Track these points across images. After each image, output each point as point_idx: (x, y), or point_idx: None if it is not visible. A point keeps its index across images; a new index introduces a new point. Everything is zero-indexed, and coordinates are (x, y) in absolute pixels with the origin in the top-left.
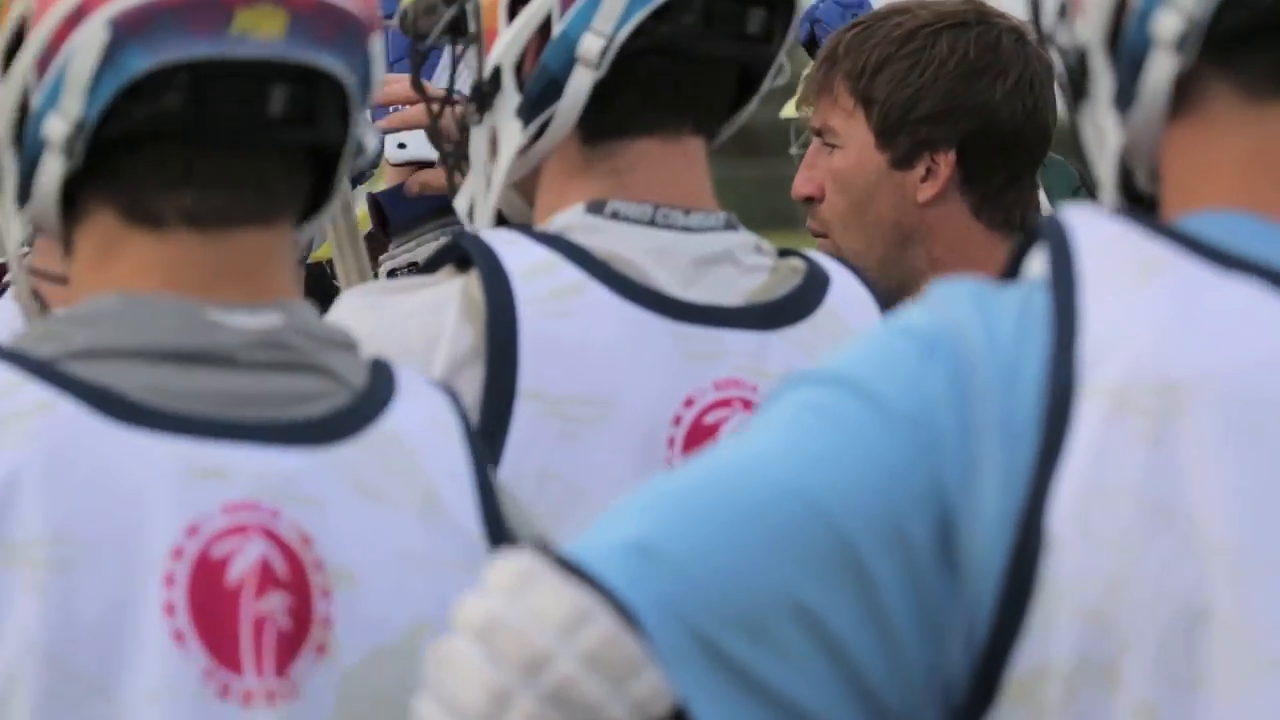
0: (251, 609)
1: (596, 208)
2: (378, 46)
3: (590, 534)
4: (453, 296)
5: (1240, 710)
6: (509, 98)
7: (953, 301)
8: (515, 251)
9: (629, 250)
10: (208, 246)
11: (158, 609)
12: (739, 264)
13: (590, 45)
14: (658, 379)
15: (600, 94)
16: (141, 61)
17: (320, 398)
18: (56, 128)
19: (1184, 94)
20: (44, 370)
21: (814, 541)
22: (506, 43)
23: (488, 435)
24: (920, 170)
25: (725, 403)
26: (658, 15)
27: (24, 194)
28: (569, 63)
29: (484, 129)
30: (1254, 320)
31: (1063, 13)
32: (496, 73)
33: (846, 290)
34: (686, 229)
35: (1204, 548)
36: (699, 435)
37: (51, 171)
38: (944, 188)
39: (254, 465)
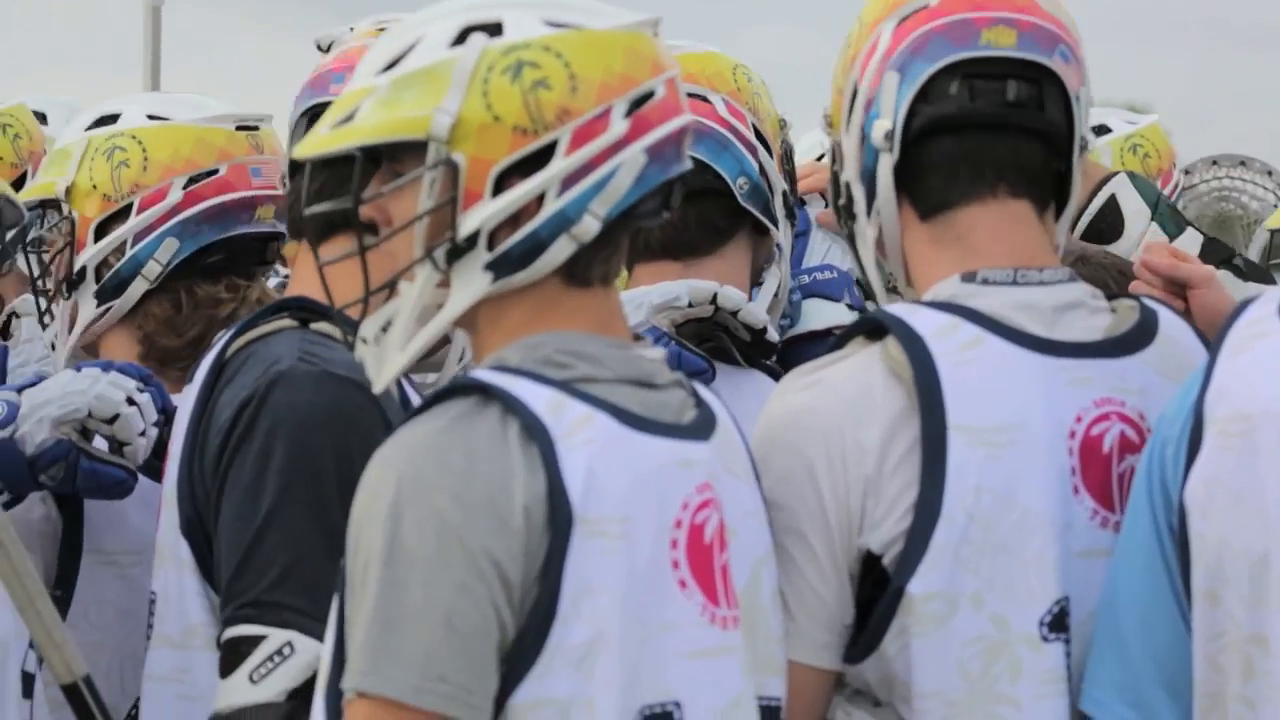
0: (719, 560)
1: (970, 277)
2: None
3: None
4: (874, 360)
5: None
6: (859, 199)
7: None
8: (919, 319)
9: (1000, 307)
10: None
11: (669, 565)
12: (1088, 307)
13: (879, 130)
14: (1052, 404)
15: (911, 176)
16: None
17: (688, 406)
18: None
19: None
20: (570, 390)
21: None
22: (849, 156)
23: (931, 464)
24: None
25: (1105, 417)
26: (923, 97)
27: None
28: (874, 153)
29: (862, 225)
30: None
31: None
32: (847, 183)
33: (1171, 321)
34: (1042, 283)
35: None
36: (1091, 445)
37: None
38: None
39: (697, 455)
